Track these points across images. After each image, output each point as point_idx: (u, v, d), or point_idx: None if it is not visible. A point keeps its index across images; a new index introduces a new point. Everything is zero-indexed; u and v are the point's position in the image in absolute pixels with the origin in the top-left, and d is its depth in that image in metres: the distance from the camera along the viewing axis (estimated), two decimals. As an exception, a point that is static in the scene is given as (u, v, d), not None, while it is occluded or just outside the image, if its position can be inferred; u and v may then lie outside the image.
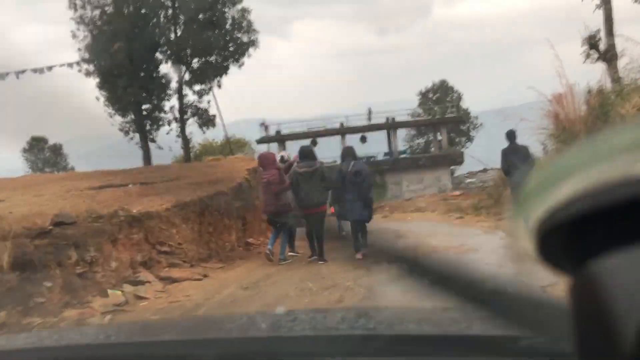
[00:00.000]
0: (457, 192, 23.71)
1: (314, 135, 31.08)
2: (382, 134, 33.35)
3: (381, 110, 51.42)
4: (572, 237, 0.36)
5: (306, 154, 7.45)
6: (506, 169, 9.80)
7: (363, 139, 31.98)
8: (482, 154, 40.25)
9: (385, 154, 31.78)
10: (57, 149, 34.43)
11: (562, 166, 0.37)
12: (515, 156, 9.26)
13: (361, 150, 33.33)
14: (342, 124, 31.00)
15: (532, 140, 12.77)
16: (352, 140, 32.57)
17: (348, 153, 7.95)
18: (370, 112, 31.13)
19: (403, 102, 39.85)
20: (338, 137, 31.21)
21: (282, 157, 8.46)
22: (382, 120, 31.52)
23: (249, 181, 8.90)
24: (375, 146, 33.82)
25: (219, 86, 20.49)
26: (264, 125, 30.74)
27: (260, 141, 30.75)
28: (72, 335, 1.30)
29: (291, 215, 6.98)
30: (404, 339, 0.94)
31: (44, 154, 33.91)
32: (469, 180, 32.87)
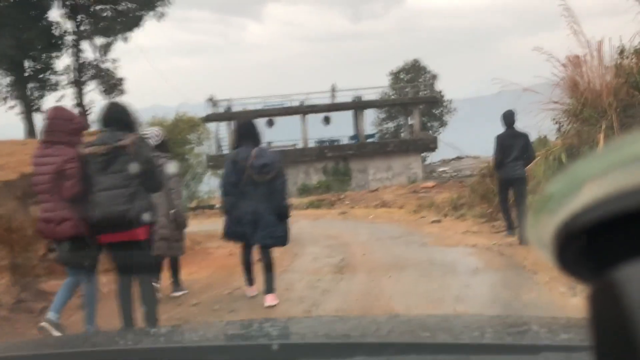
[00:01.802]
0: (430, 183, 20.42)
1: (270, 113, 27.27)
2: (349, 116, 29.80)
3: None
4: (592, 244, 0.35)
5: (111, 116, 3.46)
6: (500, 160, 7.24)
7: (326, 120, 28.34)
8: (457, 139, 37.35)
9: (351, 138, 28.22)
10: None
11: (583, 171, 0.36)
12: (513, 145, 7.11)
13: (324, 132, 29.88)
14: (302, 102, 27.18)
15: (538, 120, 9.36)
16: (315, 120, 28.95)
17: (246, 133, 4.54)
18: (334, 89, 27.39)
19: (376, 88, 36.67)
20: (298, 118, 27.50)
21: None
22: (349, 100, 27.85)
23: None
24: (341, 129, 30.27)
25: (125, 40, 16.40)
26: (212, 101, 26.68)
27: (206, 119, 26.73)
28: (76, 342, 1.28)
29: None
30: (416, 347, 0.94)
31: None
32: (442, 168, 29.85)
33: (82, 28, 15.76)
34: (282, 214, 4.47)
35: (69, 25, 15.68)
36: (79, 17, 15.75)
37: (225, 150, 27.68)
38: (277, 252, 7.77)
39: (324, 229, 11.24)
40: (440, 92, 35.12)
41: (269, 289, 4.46)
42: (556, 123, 8.81)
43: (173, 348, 1.08)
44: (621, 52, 8.52)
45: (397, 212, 14.42)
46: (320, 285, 4.70)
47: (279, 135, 30.24)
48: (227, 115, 26.79)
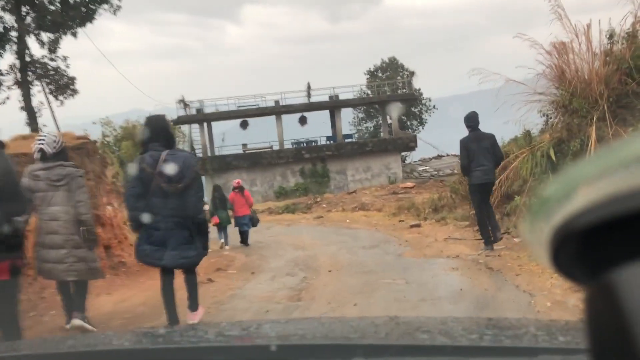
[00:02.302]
0: (409, 184, 19.69)
1: (244, 114, 26.26)
2: (326, 117, 28.93)
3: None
4: (589, 247, 0.35)
5: None
6: (466, 164, 6.78)
7: (302, 120, 27.40)
8: (436, 138, 36.71)
9: (328, 138, 27.33)
10: None
11: (578, 174, 0.36)
12: (479, 148, 6.65)
13: (300, 133, 28.97)
14: (277, 102, 26.18)
15: (522, 114, 8.64)
16: (291, 121, 28.02)
17: (154, 134, 3.67)
18: (309, 88, 26.46)
19: (352, 86, 35.80)
20: (273, 119, 26.52)
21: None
22: (325, 99, 26.93)
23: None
24: (318, 129, 29.39)
25: (74, 35, 15.09)
26: (183, 103, 25.55)
27: (177, 122, 25.61)
28: (73, 343, 1.25)
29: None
30: (415, 349, 0.95)
31: None
32: (422, 168, 29.18)
33: (26, 22, 14.44)
34: (198, 230, 3.60)
35: (11, 19, 14.35)
36: (23, 10, 14.41)
37: (200, 154, 26.64)
38: (233, 269, 6.96)
39: (295, 237, 10.35)
40: (418, 89, 34.48)
41: (192, 306, 3.76)
42: (543, 115, 8.06)
43: (171, 349, 1.08)
44: (610, 36, 7.79)
45: (376, 215, 13.60)
46: (269, 318, 3.81)
47: (254, 137, 29.23)
48: (198, 117, 25.71)
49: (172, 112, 27.86)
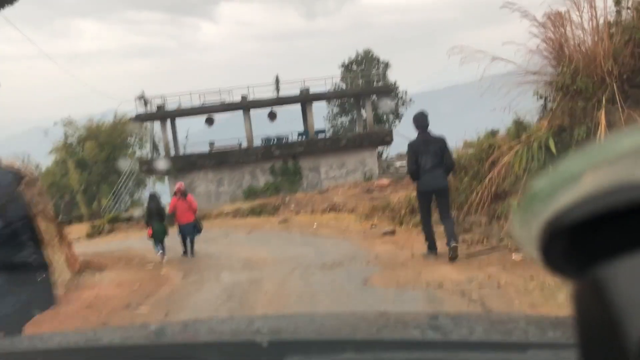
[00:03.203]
0: (385, 181, 18.30)
1: (208, 110, 24.56)
2: (297, 112, 27.40)
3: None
4: (577, 242, 0.36)
5: None
6: (414, 170, 6.36)
7: (272, 116, 25.82)
8: (413, 133, 35.53)
9: (299, 134, 25.81)
10: None
11: (567, 170, 0.36)
12: (427, 152, 6.26)
13: (270, 129, 27.36)
14: (244, 97, 24.51)
15: (511, 99, 7.29)
16: (259, 116, 26.39)
17: None
18: (278, 82, 24.85)
19: (324, 78, 34.20)
20: (240, 114, 24.87)
21: None
22: (296, 93, 25.36)
23: None
24: (288, 125, 27.84)
25: None
26: (142, 99, 23.72)
27: (137, 119, 23.82)
28: (71, 338, 1.23)
29: None
30: (406, 344, 0.94)
31: None
32: (399, 163, 27.88)
33: None
34: (35, 268, 2.16)
35: None
36: None
37: (163, 153, 24.89)
38: (148, 304, 5.38)
39: (251, 248, 8.88)
40: (394, 83, 33.20)
41: None
42: (539, 99, 6.71)
43: (162, 345, 1.06)
44: (617, 2, 6.46)
45: (347, 218, 12.18)
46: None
47: (221, 134, 27.55)
48: (159, 114, 23.93)
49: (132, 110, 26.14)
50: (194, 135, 28.26)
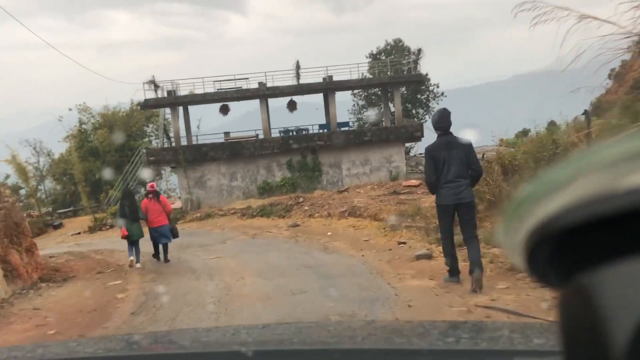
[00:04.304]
0: (414, 181, 16.15)
1: (222, 98, 22.72)
2: (319, 104, 25.36)
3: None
4: (561, 250, 0.36)
5: None
6: (433, 180, 5.30)
7: (292, 105, 23.86)
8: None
9: (321, 127, 23.78)
10: None
11: (551, 179, 0.37)
12: (450, 158, 5.16)
13: (290, 121, 25.42)
14: (261, 84, 22.58)
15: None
16: (278, 110, 24.45)
17: None
18: (298, 67, 22.81)
19: (349, 65, 32.14)
20: (257, 103, 22.97)
21: None
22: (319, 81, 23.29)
23: None
24: (310, 116, 25.84)
25: None
26: (152, 83, 22.02)
27: (145, 105, 22.15)
28: (43, 351, 1.18)
29: None
30: (392, 352, 0.94)
31: None
32: (428, 161, 25.63)
33: None
34: None
35: None
36: None
37: (173, 142, 23.21)
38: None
39: (243, 264, 6.94)
40: (426, 74, 30.82)
41: None
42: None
43: (147, 355, 1.05)
44: None
45: (368, 226, 10.08)
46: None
47: (238, 128, 25.76)
48: (169, 100, 22.19)
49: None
50: (209, 128, 26.52)
